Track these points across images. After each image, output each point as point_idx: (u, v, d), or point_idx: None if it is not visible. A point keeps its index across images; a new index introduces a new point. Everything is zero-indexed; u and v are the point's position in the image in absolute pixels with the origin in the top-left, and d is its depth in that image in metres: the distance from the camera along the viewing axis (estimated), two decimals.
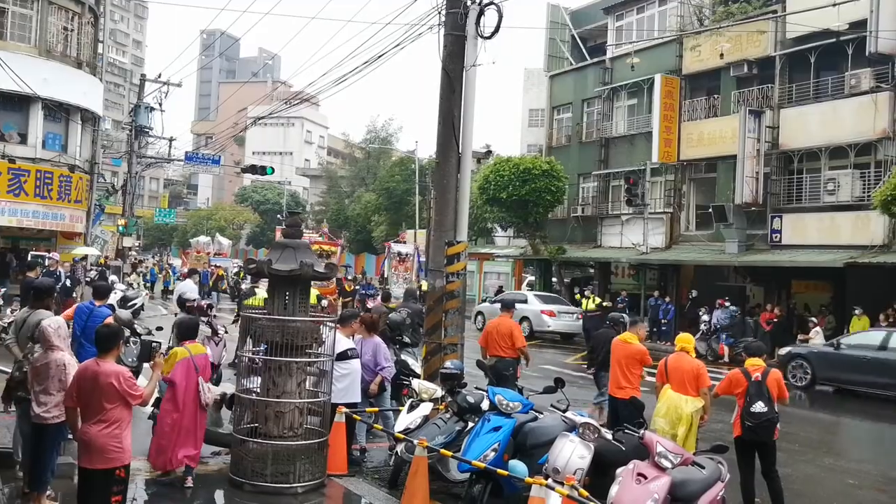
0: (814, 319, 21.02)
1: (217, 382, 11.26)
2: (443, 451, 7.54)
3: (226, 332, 13.10)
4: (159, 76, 30.91)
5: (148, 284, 33.84)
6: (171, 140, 32.40)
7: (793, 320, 23.03)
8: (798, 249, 22.81)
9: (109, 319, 9.21)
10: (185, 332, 8.25)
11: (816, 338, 20.18)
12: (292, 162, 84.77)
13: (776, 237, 23.68)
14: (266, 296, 15.70)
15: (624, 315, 12.94)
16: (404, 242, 25.70)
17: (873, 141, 21.55)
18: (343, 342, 8.86)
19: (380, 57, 12.66)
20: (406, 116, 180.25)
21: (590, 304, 24.73)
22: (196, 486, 7.95)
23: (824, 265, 21.38)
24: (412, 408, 8.78)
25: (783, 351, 19.29)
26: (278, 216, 65.56)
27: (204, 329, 13.37)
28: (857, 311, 20.29)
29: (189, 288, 16.07)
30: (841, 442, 12.38)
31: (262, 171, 26.23)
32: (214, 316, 13.36)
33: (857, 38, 21.36)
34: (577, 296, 27.40)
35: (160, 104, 30.20)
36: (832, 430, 13.74)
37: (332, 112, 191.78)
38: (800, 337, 20.89)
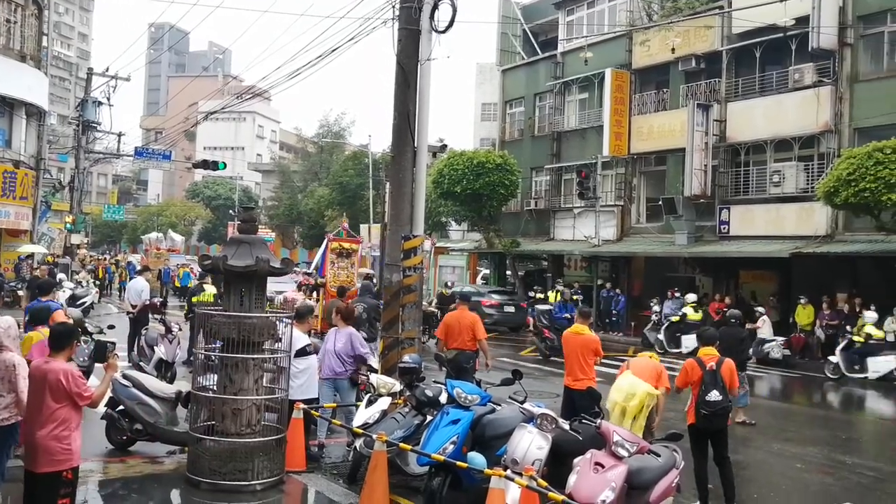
0: (761, 309, 21.52)
1: (172, 380, 11.15)
2: (402, 445, 7.55)
3: (180, 329, 12.98)
4: (107, 70, 30.21)
5: (102, 283, 33.04)
6: (119, 135, 31.74)
7: (742, 310, 23.55)
8: (745, 240, 23.33)
9: (59, 313, 9.05)
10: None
11: (764, 326, 20.70)
12: (244, 157, 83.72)
13: (724, 228, 24.18)
14: (214, 291, 15.71)
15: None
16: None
17: (816, 134, 22.12)
18: (301, 339, 8.83)
19: (333, 51, 12.59)
20: (359, 111, 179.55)
21: (557, 296, 24.85)
22: (152, 486, 7.87)
23: (771, 255, 21.90)
24: (370, 403, 8.77)
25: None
26: (230, 212, 64.76)
27: (158, 327, 13.26)
28: (802, 300, 20.85)
29: (142, 286, 15.82)
30: (788, 426, 12.73)
31: (213, 166, 25.88)
32: (166, 314, 13.21)
33: (801, 33, 21.89)
34: (535, 292, 27.63)
35: (108, 98, 29.58)
36: (778, 415, 14.10)
37: (285, 107, 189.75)
38: (748, 326, 21.34)
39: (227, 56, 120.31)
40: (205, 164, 26.70)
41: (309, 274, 23.35)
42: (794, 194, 22.34)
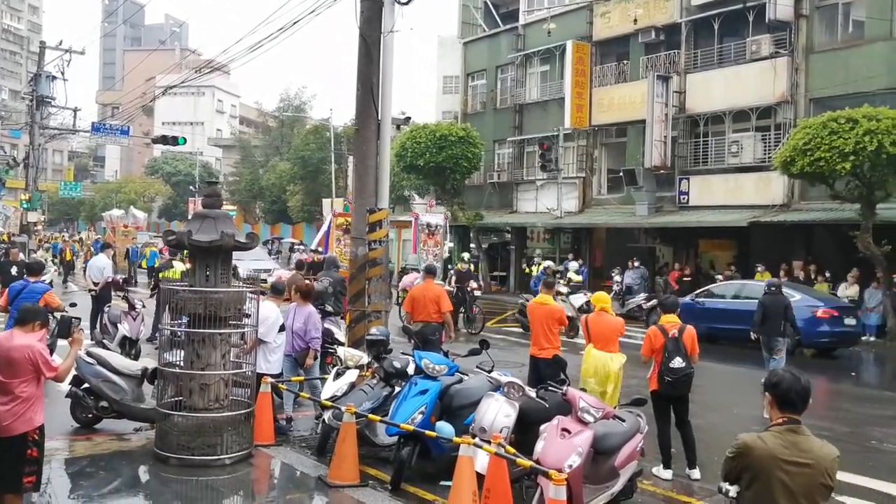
0: (720, 277, 21.94)
1: (136, 357, 11.07)
2: (371, 416, 7.63)
3: (143, 306, 12.87)
4: (60, 43, 29.43)
5: (70, 264, 32.29)
6: (75, 110, 31.00)
7: (700, 278, 23.99)
8: (705, 210, 23.71)
9: (51, 294, 8.96)
10: None
11: None
12: (204, 132, 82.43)
13: (684, 199, 24.52)
14: (183, 268, 15.56)
15: (779, 280, 13.94)
16: (434, 211, 22.70)
17: (773, 105, 22.48)
18: (279, 314, 8.91)
19: (294, 23, 12.44)
20: (321, 84, 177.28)
21: (538, 270, 25.01)
22: (120, 463, 7.85)
23: (729, 224, 22.30)
24: (338, 375, 8.82)
25: (646, 305, 20.22)
26: (191, 188, 63.85)
27: (121, 304, 13.13)
28: (759, 268, 21.26)
29: (104, 263, 15.59)
30: (741, 391, 13.07)
31: (173, 141, 25.41)
32: (129, 291, 13.07)
33: (758, 5, 22.14)
34: (525, 267, 27.86)
35: (62, 73, 28.83)
36: (738, 380, 14.45)
37: (245, 81, 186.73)
38: None
39: (185, 29, 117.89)
40: (164, 140, 26.19)
41: (315, 251, 22.89)
42: (751, 164, 22.72)
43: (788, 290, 19.29)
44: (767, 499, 3.73)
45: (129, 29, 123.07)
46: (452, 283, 19.35)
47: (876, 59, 20.08)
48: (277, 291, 9.35)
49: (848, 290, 19.00)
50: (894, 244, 17.97)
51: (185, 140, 26.59)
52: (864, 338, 18.77)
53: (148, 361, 9.48)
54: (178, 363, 7.97)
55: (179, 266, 16.04)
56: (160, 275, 15.64)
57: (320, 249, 22.92)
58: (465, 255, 20.98)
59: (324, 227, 18.31)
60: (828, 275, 19.71)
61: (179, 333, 8.04)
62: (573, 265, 24.58)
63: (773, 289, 13.01)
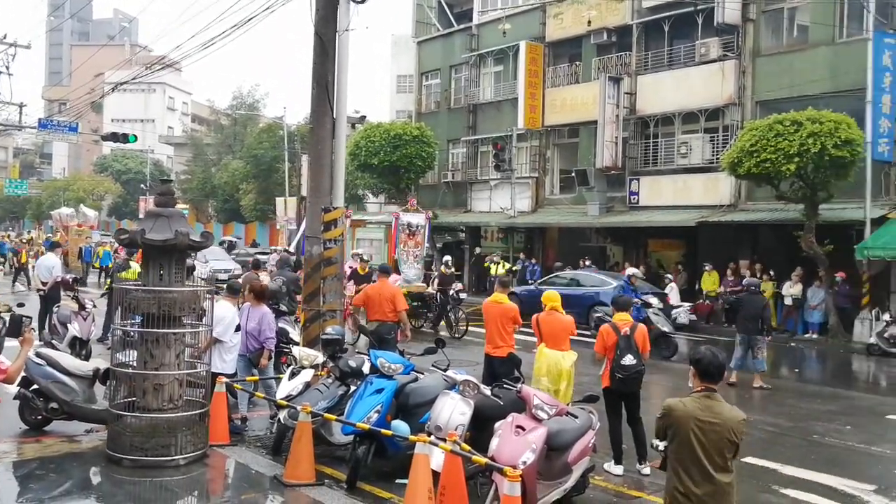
0: (669, 276, 22.36)
1: (87, 358, 10.90)
2: (326, 415, 7.65)
3: (94, 306, 12.65)
4: (4, 37, 28.64)
5: (24, 266, 31.33)
6: (20, 106, 30.20)
7: (651, 277, 24.41)
8: (654, 210, 24.13)
9: None
10: None
11: (672, 293, 21.51)
12: (155, 129, 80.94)
13: (634, 199, 24.93)
14: (139, 269, 15.29)
15: (757, 280, 15.14)
16: (416, 210, 21.18)
17: (721, 107, 22.98)
18: (234, 313, 8.87)
19: (249, 21, 12.36)
20: (274, 82, 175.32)
21: (499, 269, 25.12)
22: (71, 465, 7.74)
23: (678, 224, 22.73)
24: (293, 375, 8.81)
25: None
26: (142, 186, 62.73)
27: (70, 304, 12.89)
28: (707, 267, 21.76)
29: (52, 262, 15.26)
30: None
31: (123, 139, 24.93)
32: (79, 290, 12.85)
33: (706, 8, 22.61)
34: (486, 263, 27.92)
35: (7, 67, 28.08)
36: (686, 377, 14.80)
37: (197, 78, 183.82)
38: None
39: (135, 25, 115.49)
40: (114, 137, 25.67)
41: (286, 251, 22.31)
42: (700, 165, 23.20)
43: (591, 273, 21.66)
44: (685, 449, 4.57)
45: (77, 23, 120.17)
46: (435, 287, 19.11)
47: (819, 64, 20.68)
48: (233, 291, 9.30)
49: (792, 289, 19.53)
50: (836, 244, 18.55)
51: (135, 137, 26.12)
52: (806, 335, 19.35)
53: (99, 362, 9.35)
54: (131, 363, 7.88)
55: (136, 266, 15.79)
56: (118, 275, 15.37)
57: (290, 249, 22.45)
58: (448, 259, 20.57)
59: (303, 227, 17.30)
60: (772, 273, 20.24)
61: (132, 333, 7.96)
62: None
63: (752, 288, 13.56)
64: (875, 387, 14.65)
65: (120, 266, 16.17)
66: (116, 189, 70.47)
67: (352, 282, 16.00)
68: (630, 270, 17.24)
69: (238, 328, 8.94)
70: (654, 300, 16.57)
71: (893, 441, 9.98)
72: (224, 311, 8.72)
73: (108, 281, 15.56)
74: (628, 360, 7.99)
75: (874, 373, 16.00)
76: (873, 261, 18.17)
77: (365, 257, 18.16)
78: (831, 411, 11.58)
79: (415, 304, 18.26)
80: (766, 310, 13.31)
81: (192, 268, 11.56)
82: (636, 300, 15.27)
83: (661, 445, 4.83)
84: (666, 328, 15.91)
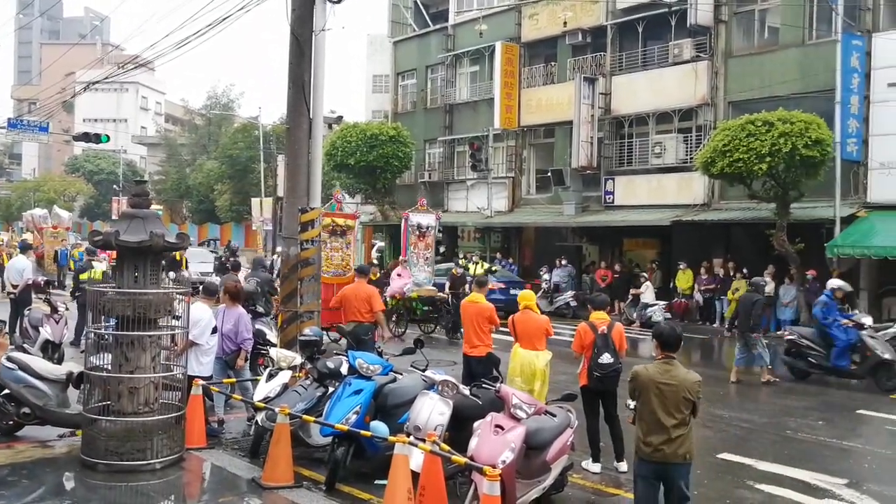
0: (644, 274, 22.56)
1: (59, 362, 10.77)
2: (304, 416, 7.63)
3: (66, 308, 12.50)
4: None
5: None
6: None
7: (626, 276, 24.59)
8: (629, 210, 24.30)
9: None
10: None
11: (647, 291, 21.73)
12: (127, 129, 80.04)
13: (609, 198, 25.09)
14: (104, 269, 15.14)
15: (766, 279, 14.93)
16: (426, 210, 20.27)
17: (694, 107, 23.19)
18: (212, 316, 8.81)
19: (224, 20, 12.28)
20: (249, 82, 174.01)
21: (478, 269, 25.05)
22: (44, 471, 7.65)
23: (652, 223, 22.91)
24: (271, 377, 8.78)
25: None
26: (115, 187, 62.09)
27: (42, 307, 12.72)
28: (681, 266, 21.94)
29: (23, 264, 15.04)
30: None
31: (95, 139, 24.59)
32: (51, 293, 12.69)
33: (679, 10, 22.82)
34: (463, 261, 27.86)
35: None
36: None
37: (170, 77, 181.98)
38: (632, 291, 22.37)
39: (106, 24, 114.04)
40: (86, 137, 25.30)
41: (377, 265, 21.44)
42: (674, 165, 23.40)
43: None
44: (647, 407, 5.59)
45: (47, 21, 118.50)
46: (447, 290, 18.45)
47: (789, 65, 20.93)
48: (209, 293, 9.22)
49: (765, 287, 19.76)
50: (807, 242, 18.79)
51: (108, 138, 25.80)
52: (779, 332, 19.56)
53: (72, 365, 9.25)
54: (105, 367, 7.80)
55: (100, 266, 15.63)
56: (80, 276, 15.21)
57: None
58: (461, 260, 20.15)
59: None
60: (745, 271, 20.45)
61: (106, 336, 7.87)
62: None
63: (750, 287, 13.87)
64: (846, 382, 14.84)
65: (82, 267, 15.99)
66: (88, 190, 69.69)
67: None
68: (834, 283, 14.29)
69: (215, 330, 8.88)
70: (867, 319, 13.67)
71: (864, 436, 10.15)
72: (200, 313, 8.66)
73: (73, 283, 15.36)
74: (606, 358, 8.04)
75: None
76: (843, 258, 18.44)
77: (375, 262, 17.96)
78: (804, 407, 11.75)
79: (426, 308, 17.86)
80: (756, 306, 13.37)
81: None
82: (846, 321, 13.25)
83: (633, 405, 5.77)
84: (888, 355, 12.77)
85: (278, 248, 27.99)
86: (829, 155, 17.98)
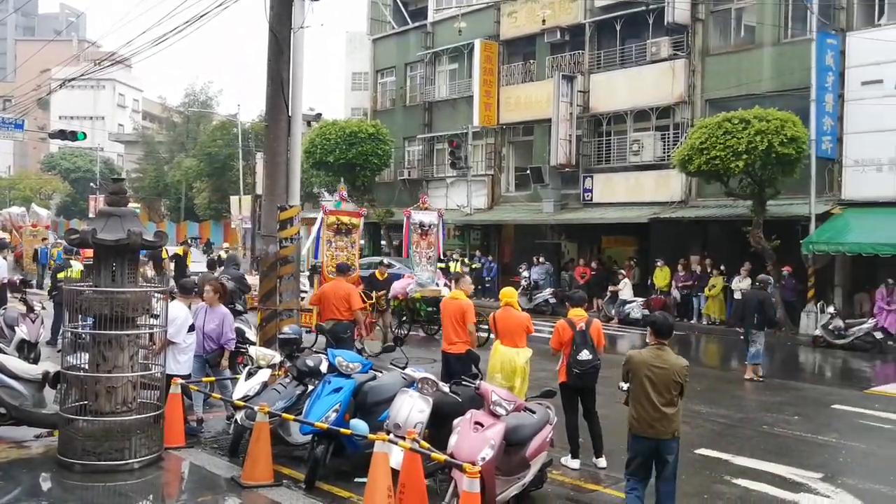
0: (622, 271, 22.70)
1: (36, 361, 10.65)
2: (284, 415, 7.61)
3: (43, 308, 12.37)
4: None
5: None
6: None
7: (604, 273, 24.73)
8: (608, 207, 24.44)
9: None
10: None
11: (625, 288, 21.88)
12: (104, 127, 79.20)
13: (588, 196, 25.22)
14: (81, 268, 14.99)
15: (769, 277, 14.87)
16: (427, 208, 19.41)
17: (672, 105, 23.36)
18: (189, 314, 8.75)
19: (202, 17, 12.20)
20: (228, 80, 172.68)
21: (458, 266, 25.02)
22: (20, 471, 7.58)
23: (631, 221, 23.06)
24: (250, 375, 8.75)
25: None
26: (91, 185, 61.48)
27: (18, 306, 12.58)
28: (659, 263, 22.10)
29: None
30: None
31: (72, 136, 24.31)
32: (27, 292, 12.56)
33: (657, 8, 22.96)
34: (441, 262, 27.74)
35: None
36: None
37: (147, 74, 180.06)
38: (610, 288, 22.52)
39: (82, 20, 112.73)
40: (62, 135, 25.00)
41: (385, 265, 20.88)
42: (651, 162, 23.56)
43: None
44: (641, 388, 6.11)
45: (22, 18, 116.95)
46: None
47: (765, 63, 21.14)
48: (186, 290, 9.17)
49: (741, 283, 19.92)
50: (783, 239, 18.99)
51: (84, 135, 25.49)
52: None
53: (49, 365, 9.15)
54: (82, 366, 7.74)
55: (78, 265, 15.50)
56: (58, 274, 15.06)
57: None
58: (465, 259, 19.51)
59: (315, 227, 15.55)
60: (723, 268, 20.65)
61: (84, 335, 7.81)
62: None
63: (756, 284, 14.10)
64: (821, 378, 15.06)
65: (60, 266, 15.84)
66: (65, 188, 68.95)
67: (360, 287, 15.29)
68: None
69: (192, 328, 8.82)
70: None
71: (839, 430, 10.28)
72: (176, 311, 8.60)
73: (51, 282, 15.20)
74: (584, 355, 8.08)
75: (820, 364, 16.45)
76: (818, 255, 18.68)
77: (384, 261, 17.59)
78: (780, 402, 11.89)
79: (430, 309, 17.39)
80: (765, 305, 13.57)
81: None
82: None
83: (625, 386, 6.32)
84: None
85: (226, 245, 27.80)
86: (804, 152, 18.20)
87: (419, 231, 18.22)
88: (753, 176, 18.61)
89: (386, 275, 16.18)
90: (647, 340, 6.33)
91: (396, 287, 17.27)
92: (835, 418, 11.11)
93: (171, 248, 24.94)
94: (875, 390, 12.99)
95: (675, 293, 21.61)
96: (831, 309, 18.04)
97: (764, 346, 13.69)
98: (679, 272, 21.62)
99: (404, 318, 17.52)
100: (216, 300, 9.31)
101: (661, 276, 22.01)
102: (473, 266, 26.03)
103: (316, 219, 15.84)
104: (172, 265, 18.08)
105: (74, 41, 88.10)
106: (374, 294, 15.23)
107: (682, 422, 6.73)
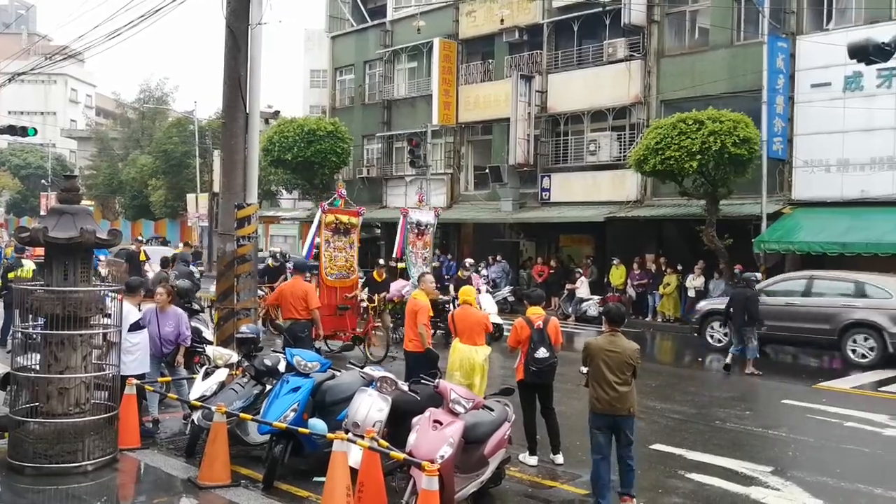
0: (579, 270, 22.92)
1: None
2: (242, 415, 7.57)
3: None
4: None
5: None
6: None
7: (561, 271, 24.93)
8: (565, 206, 24.65)
9: None
10: None
11: (582, 286, 22.10)
12: (56, 122, 77.44)
13: (546, 195, 25.41)
14: (34, 267, 14.65)
15: (757, 275, 15.49)
16: (423, 205, 18.72)
17: (628, 105, 23.65)
18: (133, 312, 8.59)
19: (157, 11, 12.03)
20: (184, 76, 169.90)
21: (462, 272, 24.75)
22: None
23: (587, 220, 23.29)
24: (207, 375, 8.68)
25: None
26: (43, 181, 60.14)
27: None
28: (615, 261, 22.38)
29: None
30: None
31: (22, 132, 23.68)
32: None
33: (614, 9, 23.22)
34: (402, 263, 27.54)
35: None
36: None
37: (101, 69, 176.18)
38: (567, 286, 22.73)
39: (32, 13, 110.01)
40: (12, 130, 24.33)
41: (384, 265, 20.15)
42: (608, 162, 23.83)
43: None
44: (598, 371, 6.83)
45: None
46: (452, 292, 16.99)
47: (718, 65, 21.52)
48: (132, 289, 8.96)
49: (695, 281, 20.31)
50: (735, 238, 19.36)
51: (35, 131, 24.88)
52: None
53: None
54: (33, 367, 7.60)
55: (30, 264, 15.16)
56: (9, 274, 14.70)
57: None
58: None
59: (312, 227, 14.75)
60: (678, 267, 20.98)
61: (35, 336, 7.66)
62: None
63: (740, 283, 14.47)
64: (772, 375, 15.37)
65: (10, 265, 15.49)
66: (15, 185, 67.24)
67: (365, 289, 15.00)
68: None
69: (136, 327, 8.65)
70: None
71: (788, 425, 10.54)
72: (123, 312, 8.46)
73: (1, 281, 14.83)
74: (542, 352, 8.16)
75: (771, 358, 16.79)
76: (769, 254, 19.09)
77: (381, 261, 17.20)
78: (731, 398, 12.14)
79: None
80: (751, 302, 13.99)
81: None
82: None
83: (585, 370, 7.03)
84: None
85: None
86: (756, 153, 18.57)
87: (416, 231, 17.40)
88: (707, 176, 18.94)
89: (384, 276, 15.79)
90: (602, 328, 7.12)
91: (393, 289, 16.65)
92: (785, 413, 11.36)
93: (158, 249, 24.62)
94: (822, 385, 13.33)
95: (631, 291, 21.88)
96: None
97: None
98: (634, 270, 21.90)
99: (399, 320, 17.12)
100: (167, 303, 9.20)
101: (616, 275, 22.27)
102: (433, 265, 25.91)
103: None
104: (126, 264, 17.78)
105: (24, 34, 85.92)
106: (375, 297, 14.88)
107: (637, 416, 6.98)
